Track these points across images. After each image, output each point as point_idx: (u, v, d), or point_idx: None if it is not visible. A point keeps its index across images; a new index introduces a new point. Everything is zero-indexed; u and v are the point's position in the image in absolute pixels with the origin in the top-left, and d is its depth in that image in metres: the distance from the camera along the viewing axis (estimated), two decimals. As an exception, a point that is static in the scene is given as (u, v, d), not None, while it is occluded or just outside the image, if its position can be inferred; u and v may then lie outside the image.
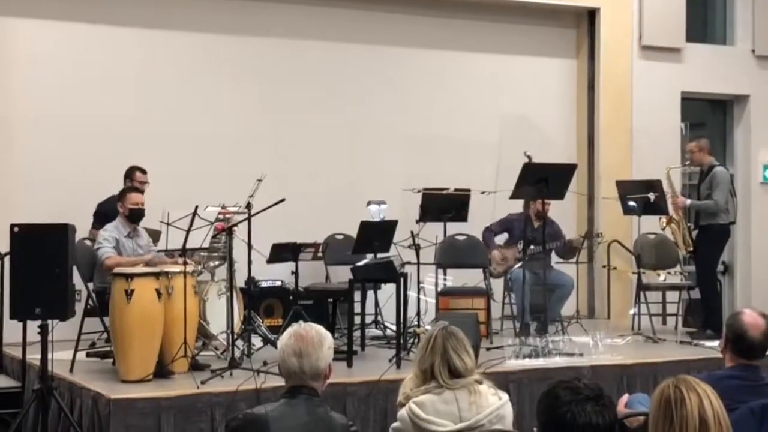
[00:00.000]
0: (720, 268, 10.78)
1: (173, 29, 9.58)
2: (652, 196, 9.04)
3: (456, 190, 9.33)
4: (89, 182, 8.76)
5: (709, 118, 12.18)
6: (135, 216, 7.37)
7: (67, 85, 9.15)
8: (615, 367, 7.34)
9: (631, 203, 9.24)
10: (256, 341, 7.66)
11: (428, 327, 7.21)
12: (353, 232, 8.17)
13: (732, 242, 9.80)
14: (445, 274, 9.26)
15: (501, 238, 9.43)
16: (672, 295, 10.02)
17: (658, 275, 9.59)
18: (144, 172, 8.46)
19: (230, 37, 9.81)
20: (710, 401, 2.90)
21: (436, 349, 3.98)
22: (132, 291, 6.46)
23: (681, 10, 11.20)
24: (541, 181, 8.30)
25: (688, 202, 9.32)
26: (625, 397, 4.18)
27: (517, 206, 9.31)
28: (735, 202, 9.33)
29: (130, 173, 8.42)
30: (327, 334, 3.55)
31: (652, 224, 9.54)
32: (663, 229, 9.40)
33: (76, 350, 7.08)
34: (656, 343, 8.59)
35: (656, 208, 9.16)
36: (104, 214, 8.02)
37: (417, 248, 8.00)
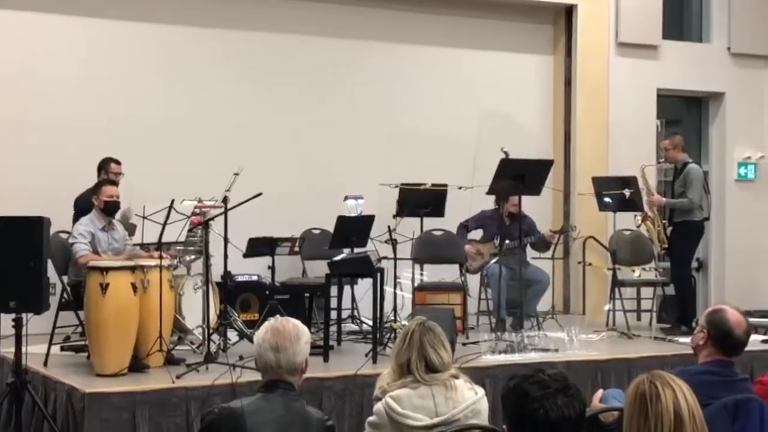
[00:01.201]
0: (694, 264, 10.85)
1: (152, 23, 9.53)
2: (627, 192, 9.10)
3: (433, 185, 9.34)
4: (65, 175, 8.71)
5: (684, 115, 12.26)
6: (110, 209, 7.33)
7: (43, 77, 9.08)
8: (590, 363, 7.37)
9: (607, 199, 9.29)
10: (232, 336, 7.65)
11: (405, 322, 7.23)
12: (330, 227, 8.17)
13: (706, 239, 9.88)
14: (421, 270, 9.26)
15: (477, 234, 9.45)
16: (647, 291, 10.08)
17: (633, 271, 9.64)
18: (118, 163, 8.41)
19: (209, 31, 9.77)
20: (685, 396, 2.91)
21: (413, 344, 3.99)
22: (107, 285, 6.43)
23: (657, 7, 11.26)
24: (518, 176, 8.32)
25: (664, 200, 9.37)
26: (599, 393, 4.20)
27: (492, 202, 9.34)
28: (709, 199, 9.40)
29: (105, 164, 8.37)
30: (304, 328, 3.55)
31: (627, 220, 9.59)
32: (638, 226, 9.45)
33: (50, 344, 7.05)
34: (631, 338, 8.64)
35: (631, 204, 9.22)
36: (83, 207, 7.98)
37: (394, 243, 8.00)
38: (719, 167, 11.85)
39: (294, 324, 3.53)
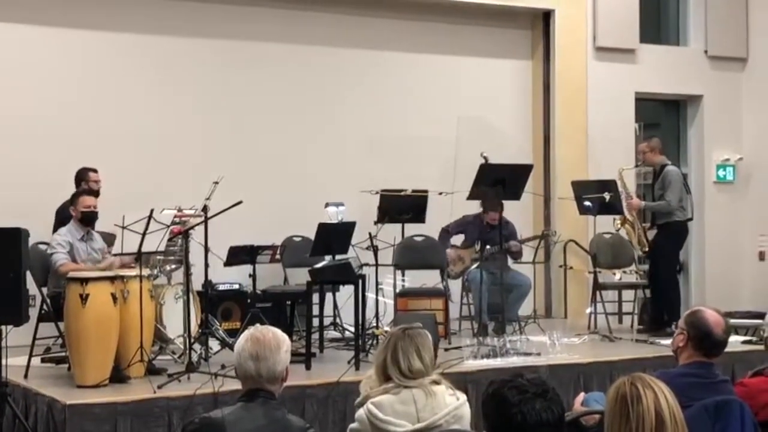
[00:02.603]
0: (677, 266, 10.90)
1: (129, 32, 9.49)
2: (607, 196, 9.12)
3: (413, 191, 9.35)
4: (42, 186, 8.65)
5: (662, 118, 12.32)
6: (88, 219, 7.29)
7: (19, 88, 9.02)
8: (572, 366, 7.39)
9: (587, 203, 9.32)
10: (214, 345, 7.61)
11: (387, 328, 7.23)
12: (311, 234, 8.15)
13: (687, 240, 9.91)
14: (403, 275, 9.26)
15: (458, 239, 9.46)
16: (628, 294, 10.12)
17: (614, 274, 9.68)
18: (96, 171, 8.34)
19: (189, 40, 9.74)
20: (666, 398, 2.92)
21: (388, 348, 4.00)
22: (87, 295, 6.41)
23: (634, 11, 11.31)
24: (498, 181, 8.34)
25: (643, 204, 9.42)
26: (581, 396, 4.21)
27: (474, 207, 9.35)
28: (690, 199, 9.44)
29: (83, 175, 8.28)
30: (284, 337, 3.53)
31: (607, 224, 9.63)
32: (617, 230, 9.49)
33: (30, 356, 7.00)
34: (613, 341, 8.67)
35: (611, 208, 9.24)
36: (63, 218, 7.93)
37: (375, 250, 8.01)
38: (698, 169, 11.91)
39: (274, 333, 3.51)
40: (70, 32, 9.27)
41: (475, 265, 9.01)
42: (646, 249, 9.31)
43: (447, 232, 9.39)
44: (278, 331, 3.54)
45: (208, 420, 3.39)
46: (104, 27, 9.39)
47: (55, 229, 7.85)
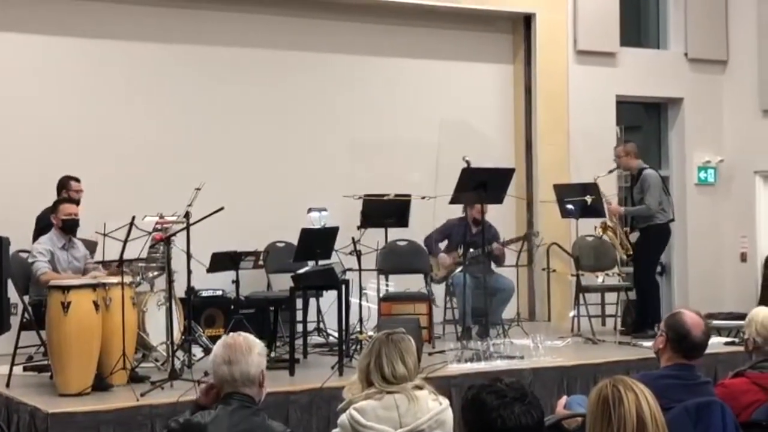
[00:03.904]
0: (657, 269, 10.93)
1: (110, 39, 9.46)
2: (589, 199, 9.16)
3: (396, 195, 9.35)
4: (24, 194, 8.61)
5: (643, 121, 12.37)
6: (69, 227, 7.26)
7: (2, 95, 8.99)
8: (555, 369, 7.41)
9: (569, 206, 9.34)
10: (197, 352, 7.59)
11: (371, 333, 7.23)
12: (294, 240, 8.16)
13: (669, 243, 9.95)
14: (387, 280, 9.27)
15: (443, 245, 9.46)
16: (611, 297, 10.15)
17: (597, 277, 9.71)
18: (78, 180, 8.31)
19: (169, 46, 9.73)
20: (647, 400, 2.94)
21: (372, 354, 4.00)
22: (69, 303, 6.38)
23: (615, 15, 11.36)
24: (480, 185, 8.35)
25: (623, 209, 9.46)
26: (563, 399, 4.21)
27: (456, 211, 9.36)
28: (670, 200, 9.48)
29: (65, 183, 8.26)
30: (256, 341, 3.60)
31: (589, 227, 9.66)
32: (600, 237, 9.53)
33: (12, 364, 6.96)
34: (596, 344, 8.69)
35: (593, 210, 9.28)
36: (43, 225, 7.90)
37: (358, 254, 8.01)
38: (679, 172, 11.96)
39: (245, 337, 3.59)
40: (49, 39, 9.25)
41: (458, 269, 9.02)
42: (630, 252, 9.34)
43: (432, 239, 9.39)
44: (250, 336, 3.61)
45: (189, 422, 3.44)
46: (84, 34, 9.36)
47: (35, 237, 7.82)
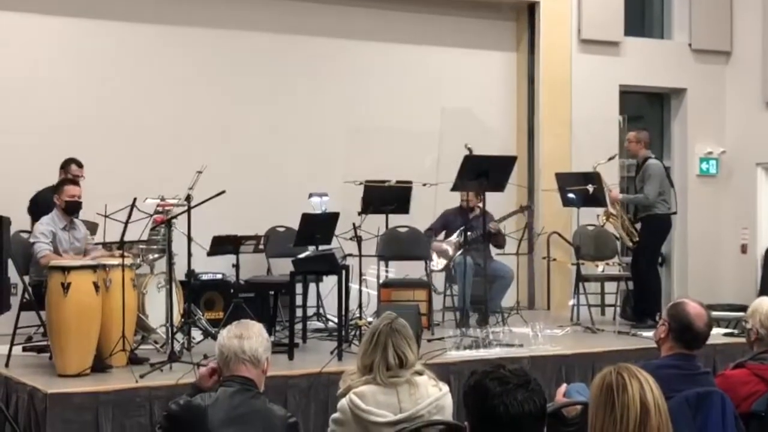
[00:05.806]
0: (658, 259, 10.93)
1: (112, 21, 9.44)
2: (590, 188, 9.13)
3: (398, 182, 9.34)
4: (25, 175, 8.59)
5: (646, 111, 12.35)
6: (71, 208, 7.27)
7: (2, 76, 8.96)
8: (554, 358, 7.40)
9: (571, 195, 9.33)
10: (197, 334, 7.59)
11: (370, 319, 7.23)
12: (295, 225, 8.14)
13: (669, 233, 9.94)
14: (387, 266, 9.27)
15: (441, 236, 9.46)
16: (610, 286, 10.15)
17: (597, 266, 9.70)
18: (80, 165, 8.29)
19: (171, 27, 9.70)
20: (651, 388, 2.93)
21: (378, 346, 3.98)
22: (69, 284, 6.37)
23: (619, 4, 11.33)
24: (482, 173, 8.34)
25: (620, 196, 9.44)
26: (563, 387, 4.21)
27: (455, 199, 9.35)
28: (673, 192, 9.46)
29: (66, 165, 8.26)
30: (264, 330, 3.74)
31: (591, 216, 9.64)
32: (603, 225, 9.50)
33: (11, 345, 6.96)
34: (595, 333, 8.69)
35: (595, 200, 9.25)
36: (37, 206, 7.89)
37: (359, 240, 8.00)
38: (681, 162, 11.95)
39: (255, 323, 3.74)
40: (49, 19, 9.21)
41: (458, 253, 9.02)
42: (636, 239, 9.27)
43: (432, 231, 9.39)
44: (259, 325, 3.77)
45: (190, 404, 3.45)
46: (84, 14, 9.33)
47: (31, 215, 7.82)
